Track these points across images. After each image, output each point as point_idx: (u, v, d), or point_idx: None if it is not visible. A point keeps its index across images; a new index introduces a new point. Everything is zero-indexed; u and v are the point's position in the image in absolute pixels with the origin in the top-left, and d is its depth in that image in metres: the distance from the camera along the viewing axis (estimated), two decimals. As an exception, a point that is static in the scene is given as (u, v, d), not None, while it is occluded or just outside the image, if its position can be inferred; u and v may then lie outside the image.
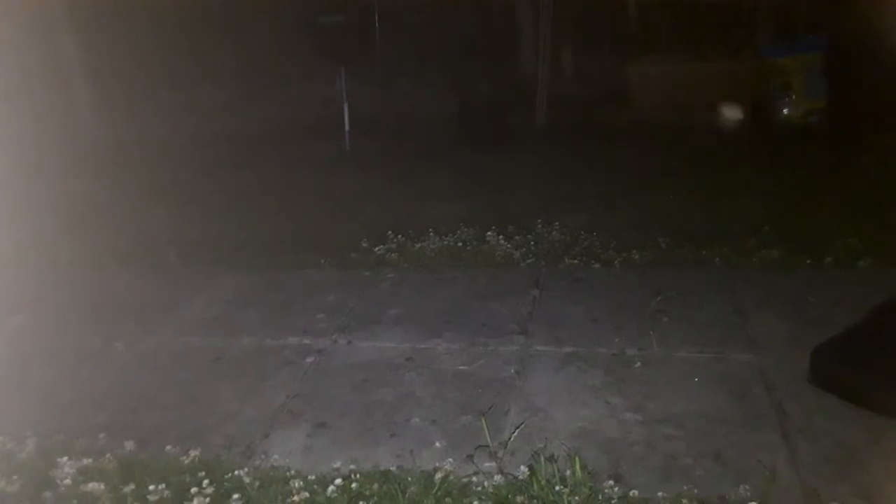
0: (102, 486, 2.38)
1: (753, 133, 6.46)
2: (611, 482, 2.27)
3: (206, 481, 2.36)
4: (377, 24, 7.47)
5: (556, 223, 4.47)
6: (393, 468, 2.43)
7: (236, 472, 2.41)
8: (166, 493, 2.34)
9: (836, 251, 3.80)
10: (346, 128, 6.96)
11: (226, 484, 2.37)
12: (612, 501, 2.19)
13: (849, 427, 2.49)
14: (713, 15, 7.61)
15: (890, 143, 5.47)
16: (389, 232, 4.51)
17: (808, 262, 3.77)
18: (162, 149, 7.05)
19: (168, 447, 2.60)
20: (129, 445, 2.62)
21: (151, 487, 2.35)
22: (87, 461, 2.51)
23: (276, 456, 2.54)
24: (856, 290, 3.36)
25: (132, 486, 2.37)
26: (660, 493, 2.22)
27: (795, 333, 3.06)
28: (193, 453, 2.53)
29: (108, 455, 2.55)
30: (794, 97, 6.68)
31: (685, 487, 2.24)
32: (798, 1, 7.41)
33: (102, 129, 7.65)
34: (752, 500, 2.14)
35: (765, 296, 3.45)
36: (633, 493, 2.22)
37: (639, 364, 2.98)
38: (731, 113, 6.61)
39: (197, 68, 8.23)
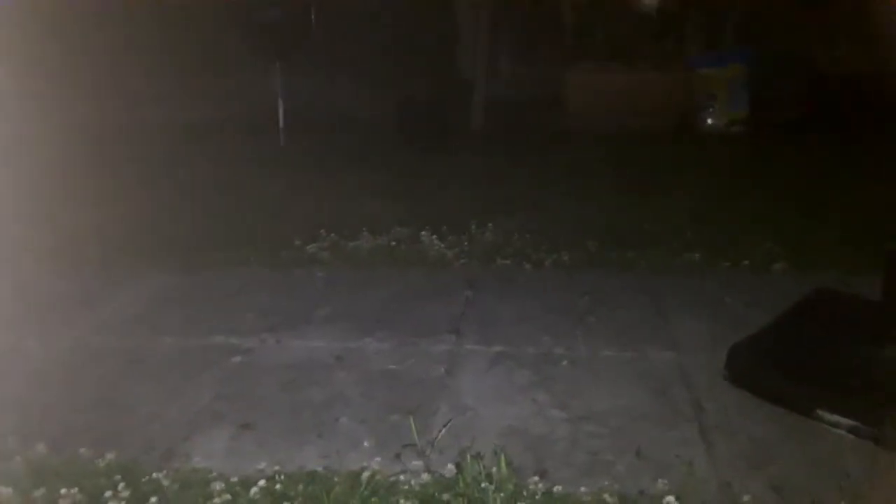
0: (11, 490, 2.26)
1: (680, 141, 6.69)
2: (535, 478, 2.31)
3: (121, 485, 2.28)
4: (314, 20, 7.38)
5: (490, 224, 4.51)
6: (319, 469, 2.40)
7: (154, 475, 2.33)
8: (79, 497, 2.24)
9: (754, 255, 3.98)
10: (281, 124, 6.85)
11: (143, 487, 2.29)
12: (536, 497, 2.22)
13: (762, 423, 2.60)
14: (646, 25, 7.85)
15: (806, 152, 5.77)
16: (322, 230, 4.46)
17: (727, 265, 3.93)
18: (85, 142, 6.76)
19: (82, 450, 2.49)
20: (41, 448, 2.50)
21: (63, 491, 2.25)
22: (-7, 465, 2.39)
23: (197, 458, 2.47)
24: (771, 293, 3.51)
25: (43, 491, 2.27)
26: (582, 489, 2.27)
27: (714, 333, 3.18)
28: (109, 456, 2.44)
29: (17, 458, 2.43)
30: (717, 107, 6.95)
31: (606, 482, 2.30)
32: (725, 13, 7.71)
33: (21, 119, 7.28)
34: (669, 494, 2.20)
35: (686, 297, 3.57)
36: (557, 488, 2.26)
37: (565, 363, 3.03)
38: (660, 121, 6.82)
39: (129, 61, 7.94)
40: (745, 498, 2.21)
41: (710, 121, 6.99)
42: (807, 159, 5.61)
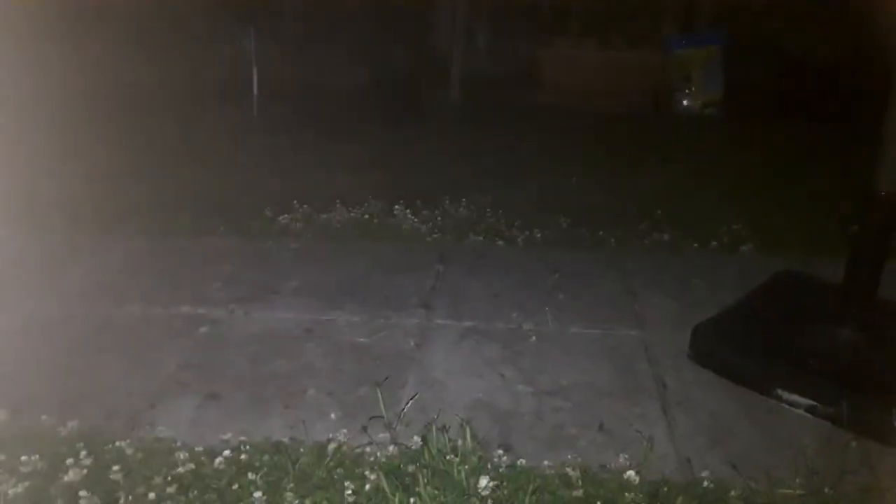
0: (-30, 458, 2.24)
1: (654, 121, 6.72)
2: (500, 451, 2.34)
3: (83, 452, 2.26)
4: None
5: (464, 200, 4.50)
6: (285, 439, 2.41)
7: (117, 444, 2.31)
8: (40, 464, 2.22)
9: (722, 236, 4.03)
10: (255, 92, 6.73)
11: (106, 455, 2.27)
12: (500, 470, 2.25)
13: (723, 401, 2.66)
14: (623, 4, 7.82)
15: (778, 136, 5.83)
16: (295, 201, 4.42)
17: (695, 245, 3.98)
18: (51, 105, 6.58)
19: (44, 417, 2.46)
20: (2, 415, 2.47)
21: (24, 458, 2.23)
22: (-48, 432, 2.35)
23: (161, 427, 2.46)
24: (737, 274, 3.57)
25: (2, 457, 2.24)
26: (545, 462, 2.30)
27: (679, 312, 3.23)
28: (71, 424, 2.42)
29: (-24, 425, 2.40)
30: (692, 89, 6.98)
31: (569, 456, 2.33)
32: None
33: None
34: (630, 469, 2.25)
35: (653, 276, 3.62)
36: (521, 461, 2.29)
37: (534, 339, 3.06)
38: (635, 101, 6.84)
39: (94, 22, 7.70)
40: (704, 473, 2.26)
41: (685, 102, 7.03)
42: (778, 143, 5.68)
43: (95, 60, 7.60)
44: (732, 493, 2.17)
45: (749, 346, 2.86)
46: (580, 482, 2.19)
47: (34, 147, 5.33)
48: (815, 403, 2.58)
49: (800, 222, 4.18)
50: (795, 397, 2.62)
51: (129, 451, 2.28)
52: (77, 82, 7.15)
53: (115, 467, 2.21)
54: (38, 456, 2.24)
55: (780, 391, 2.65)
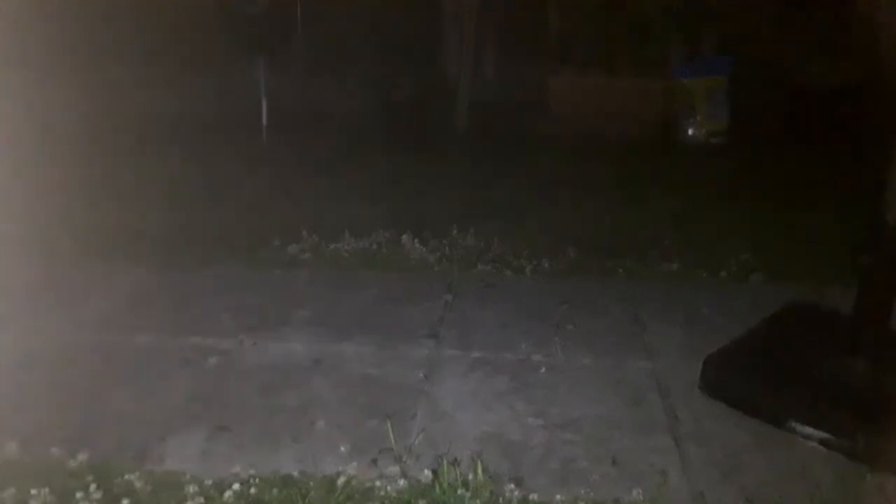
0: (-22, 491, 2.23)
1: (661, 150, 6.74)
2: (511, 485, 2.32)
3: (93, 486, 2.25)
4: (299, 17, 7.35)
5: (471, 229, 4.51)
6: (295, 473, 2.39)
7: (127, 477, 2.30)
8: (49, 497, 2.21)
9: (731, 266, 4.02)
10: (264, 122, 6.80)
11: (115, 489, 2.26)
12: (512, 504, 2.23)
13: (735, 433, 2.64)
14: (631, 32, 7.90)
15: (785, 164, 5.85)
16: (303, 231, 4.44)
17: (705, 275, 3.97)
18: (60, 136, 6.65)
19: (53, 449, 2.46)
20: (11, 447, 2.47)
21: (34, 492, 2.22)
22: (-39, 464, 2.35)
23: (171, 460, 2.45)
24: (747, 303, 3.55)
25: (12, 491, 2.23)
26: (558, 496, 2.28)
27: (689, 343, 3.21)
28: (81, 456, 2.41)
29: (-15, 458, 2.39)
30: (697, 118, 7.02)
31: (582, 491, 2.31)
32: (708, 24, 7.79)
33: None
34: (643, 503, 2.22)
35: (663, 307, 3.60)
36: (533, 496, 2.27)
37: (543, 370, 3.05)
38: (641, 129, 6.87)
39: (105, 54, 7.83)
40: (718, 508, 2.23)
41: (690, 131, 7.05)
42: (785, 172, 5.69)
43: (102, 91, 7.70)
44: (747, 528, 2.14)
45: (761, 378, 2.84)
46: (593, 517, 2.16)
47: (40, 178, 5.38)
48: (829, 436, 2.55)
49: (810, 251, 4.17)
50: (809, 429, 2.60)
51: (138, 485, 2.27)
52: (82, 113, 7.24)
53: (125, 501, 2.20)
54: (47, 489, 2.23)
55: (793, 423, 2.63)
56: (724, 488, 2.35)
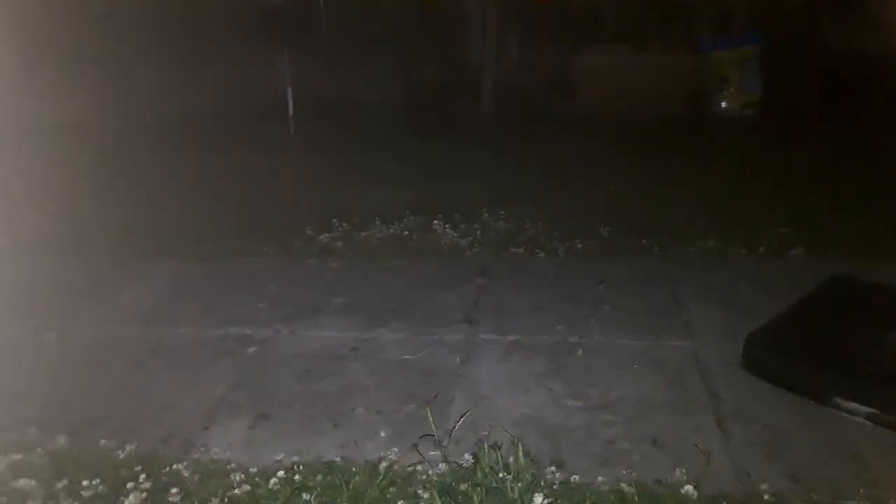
0: (33, 483, 2.29)
1: (692, 125, 6.63)
2: (553, 468, 2.32)
3: (142, 476, 2.30)
4: (322, 7, 7.34)
5: (502, 212, 4.49)
6: (337, 459, 2.42)
7: (174, 466, 2.36)
8: (101, 488, 2.27)
9: (770, 241, 3.95)
10: (290, 111, 6.84)
11: (164, 478, 2.31)
12: (554, 487, 2.23)
13: (779, 411, 2.60)
14: (656, 9, 7.76)
15: (821, 136, 5.70)
16: (334, 220, 4.46)
17: (743, 251, 3.90)
18: (94, 131, 6.77)
19: (102, 441, 2.52)
20: (62, 440, 2.53)
21: (85, 483, 2.28)
22: (16, 456, 2.42)
23: (216, 449, 2.49)
24: (787, 279, 3.49)
25: (65, 482, 2.30)
26: (599, 478, 2.27)
27: (729, 321, 3.17)
28: (129, 447, 2.47)
29: (39, 450, 2.46)
30: (730, 90, 6.88)
31: (624, 472, 2.30)
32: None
33: (27, 108, 7.28)
34: (687, 483, 2.20)
35: (701, 284, 3.56)
36: (574, 478, 2.27)
37: (580, 352, 3.03)
38: (672, 105, 6.76)
39: (134, 48, 7.92)
40: (763, 486, 2.21)
41: (723, 104, 6.93)
42: (821, 143, 5.55)
43: (134, 85, 7.81)
44: (794, 506, 2.11)
45: (804, 354, 2.78)
46: (636, 498, 2.15)
47: (79, 173, 5.49)
48: (875, 411, 2.50)
49: (849, 224, 4.07)
50: (854, 405, 2.55)
51: (185, 474, 2.32)
52: (115, 107, 7.35)
53: (174, 490, 2.25)
54: (98, 480, 2.29)
55: (837, 399, 2.58)
56: (769, 467, 2.31)
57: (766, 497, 2.16)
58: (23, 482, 2.29)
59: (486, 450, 2.33)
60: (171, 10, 7.90)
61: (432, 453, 2.42)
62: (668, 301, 3.43)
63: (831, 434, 2.47)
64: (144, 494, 2.24)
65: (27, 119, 7.16)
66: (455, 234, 4.26)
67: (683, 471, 2.28)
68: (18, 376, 2.99)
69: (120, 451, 2.46)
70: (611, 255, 3.97)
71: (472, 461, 2.33)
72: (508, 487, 2.16)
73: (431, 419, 2.51)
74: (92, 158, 5.89)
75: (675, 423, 2.55)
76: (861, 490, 2.15)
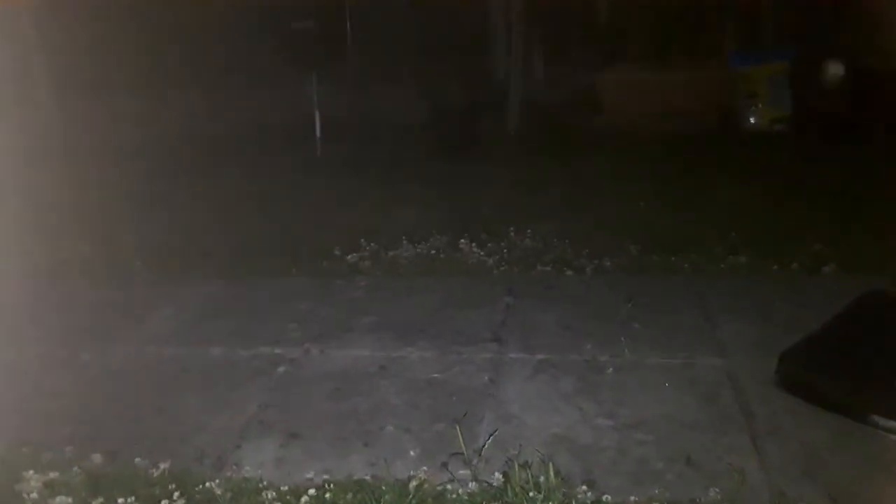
0: (70, 500, 2.34)
1: (721, 141, 6.57)
2: (584, 487, 2.29)
3: (176, 493, 2.33)
4: (349, 30, 7.46)
5: (529, 230, 4.49)
6: (367, 477, 2.42)
7: (207, 484, 2.38)
8: (136, 506, 2.30)
9: (802, 257, 3.89)
10: (318, 134, 6.94)
11: (196, 496, 2.34)
12: (586, 507, 2.21)
13: (815, 429, 2.54)
14: (683, 24, 7.74)
15: (851, 151, 5.62)
16: (362, 240, 4.50)
17: (775, 267, 3.84)
18: (126, 154, 6.92)
19: (137, 460, 2.56)
20: (97, 458, 2.58)
21: (120, 500, 2.32)
22: (53, 475, 2.46)
23: (247, 467, 2.52)
24: (821, 296, 3.42)
25: (100, 500, 2.33)
26: (632, 498, 2.24)
27: (763, 338, 3.12)
28: (163, 465, 2.50)
29: (75, 468, 2.51)
30: (759, 106, 6.82)
31: (657, 491, 2.27)
32: (765, 11, 7.57)
33: (62, 134, 7.48)
34: (721, 503, 2.16)
35: (733, 301, 3.51)
36: (606, 497, 2.24)
37: (611, 370, 3.01)
38: (700, 121, 6.72)
39: (163, 71, 8.11)
40: (801, 507, 2.16)
41: (752, 120, 6.86)
42: (852, 158, 5.47)
43: (165, 109, 7.98)
44: (833, 527, 2.07)
45: (840, 371, 2.73)
46: (670, 518, 2.12)
47: (109, 196, 5.61)
48: (915, 430, 2.44)
49: (883, 240, 3.99)
50: (893, 423, 2.49)
51: (218, 492, 2.35)
52: (148, 131, 7.52)
53: (207, 508, 2.27)
54: (133, 497, 2.33)
55: (875, 417, 2.52)
56: (805, 486, 2.26)
57: (803, 517, 2.11)
58: (60, 500, 2.34)
59: (517, 469, 2.32)
60: (203, 38, 8.09)
61: (462, 472, 2.41)
62: (699, 318, 3.39)
63: (869, 452, 2.41)
64: (178, 512, 2.27)
65: (62, 142, 7.37)
66: (482, 253, 4.27)
67: (718, 490, 2.24)
68: (56, 396, 3.06)
69: (154, 470, 2.49)
70: (640, 272, 3.94)
71: (503, 480, 2.31)
72: (539, 507, 2.15)
73: (461, 438, 2.50)
74: (118, 181, 6.02)
75: (709, 441, 2.51)
76: (903, 511, 2.10)
